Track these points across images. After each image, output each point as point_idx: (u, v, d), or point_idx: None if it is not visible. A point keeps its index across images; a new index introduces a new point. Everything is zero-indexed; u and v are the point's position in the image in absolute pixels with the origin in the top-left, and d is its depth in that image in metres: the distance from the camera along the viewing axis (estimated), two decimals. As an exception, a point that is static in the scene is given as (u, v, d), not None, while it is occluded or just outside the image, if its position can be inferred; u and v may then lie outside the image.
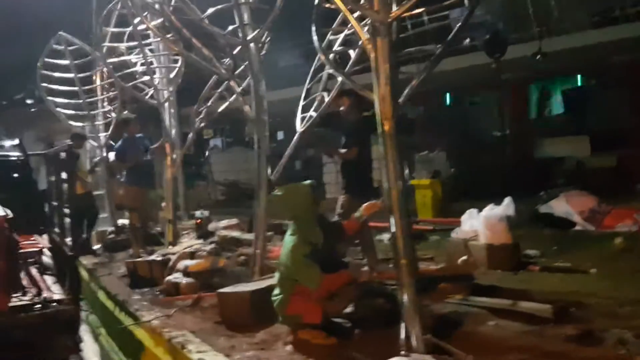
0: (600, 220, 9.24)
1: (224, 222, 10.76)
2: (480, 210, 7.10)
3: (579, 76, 20.00)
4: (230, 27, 6.47)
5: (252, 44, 6.47)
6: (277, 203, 5.07)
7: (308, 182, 5.06)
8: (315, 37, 5.31)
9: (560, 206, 9.59)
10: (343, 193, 6.84)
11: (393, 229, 4.42)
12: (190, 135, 8.93)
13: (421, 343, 4.19)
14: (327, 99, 6.62)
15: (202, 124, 8.77)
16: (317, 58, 7.16)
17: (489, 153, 16.73)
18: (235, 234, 9.64)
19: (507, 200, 6.88)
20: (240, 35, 6.40)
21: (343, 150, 6.79)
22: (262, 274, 6.51)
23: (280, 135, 29.52)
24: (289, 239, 4.81)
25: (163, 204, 11.88)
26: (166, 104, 8.88)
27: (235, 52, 6.85)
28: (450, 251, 7.26)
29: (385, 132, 4.42)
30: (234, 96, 8.24)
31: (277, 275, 4.93)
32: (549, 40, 14.41)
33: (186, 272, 6.75)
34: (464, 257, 6.85)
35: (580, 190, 10.22)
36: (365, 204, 5.03)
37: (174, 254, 7.72)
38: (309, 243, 4.69)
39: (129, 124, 9.14)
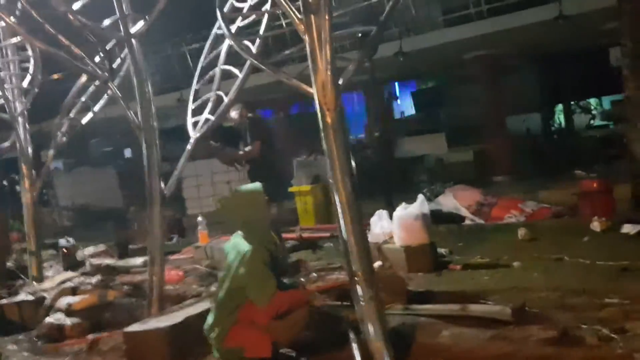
0: (488, 212, 9.30)
1: (90, 249, 9.63)
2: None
3: (433, 75, 20.66)
4: (108, 20, 5.56)
5: (133, 39, 5.61)
6: (228, 207, 4.30)
7: (258, 183, 4.38)
8: (222, 22, 4.65)
9: (448, 201, 9.55)
10: None
11: (344, 236, 3.86)
12: (51, 152, 7.77)
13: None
14: (226, 100, 5.87)
15: (64, 138, 7.66)
16: (204, 55, 6.46)
17: (359, 155, 16.67)
18: (109, 261, 8.59)
19: (420, 197, 6.52)
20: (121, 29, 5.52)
21: (246, 149, 6.23)
22: (161, 304, 5.66)
23: (128, 152, 27.94)
24: (237, 245, 4.06)
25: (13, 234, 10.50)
26: (20, 118, 7.65)
27: (108, 47, 5.98)
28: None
29: (328, 125, 3.86)
30: (101, 103, 7.32)
31: (212, 300, 4.12)
32: (407, 39, 14.59)
33: (69, 311, 5.71)
34: (379, 262, 6.39)
35: (463, 185, 10.29)
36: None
37: (45, 290, 6.61)
38: (267, 250, 3.99)
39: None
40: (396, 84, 24.41)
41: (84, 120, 7.72)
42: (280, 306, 3.90)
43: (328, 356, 4.10)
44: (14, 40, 7.34)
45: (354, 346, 3.99)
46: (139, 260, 8.43)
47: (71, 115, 7.54)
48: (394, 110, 23.49)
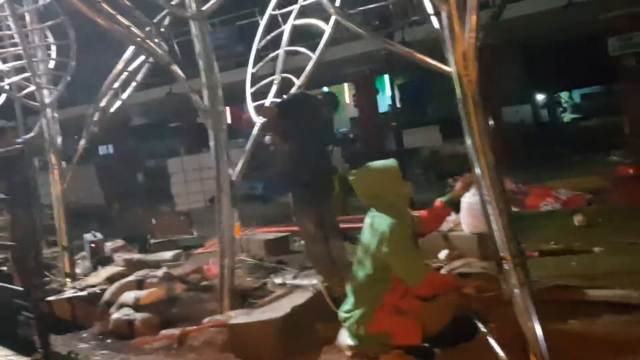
0: (522, 201, 9.17)
1: (109, 244, 9.24)
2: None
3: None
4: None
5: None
6: (360, 184, 3.65)
7: (392, 159, 3.89)
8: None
9: (479, 191, 9.40)
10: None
11: (491, 218, 3.65)
12: (82, 142, 7.37)
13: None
14: (298, 82, 5.59)
15: (96, 128, 7.29)
16: (259, 36, 6.20)
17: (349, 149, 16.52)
18: (139, 256, 8.23)
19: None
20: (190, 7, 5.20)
21: None
22: (230, 298, 5.36)
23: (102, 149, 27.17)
24: (373, 222, 3.58)
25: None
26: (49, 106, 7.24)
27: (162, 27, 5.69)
28: (424, 247, 6.55)
29: (468, 97, 3.67)
30: (128, 91, 6.97)
31: (350, 282, 3.76)
32: (409, 29, 14.38)
33: (138, 306, 5.37)
34: (447, 251, 6.20)
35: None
36: (461, 179, 4.02)
37: (94, 286, 6.26)
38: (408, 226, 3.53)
39: (5, 133, 7.32)
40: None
41: (112, 109, 7.37)
42: (434, 287, 3.53)
43: (463, 347, 3.85)
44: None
45: (489, 339, 3.74)
46: (168, 254, 8.10)
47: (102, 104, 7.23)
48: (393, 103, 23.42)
